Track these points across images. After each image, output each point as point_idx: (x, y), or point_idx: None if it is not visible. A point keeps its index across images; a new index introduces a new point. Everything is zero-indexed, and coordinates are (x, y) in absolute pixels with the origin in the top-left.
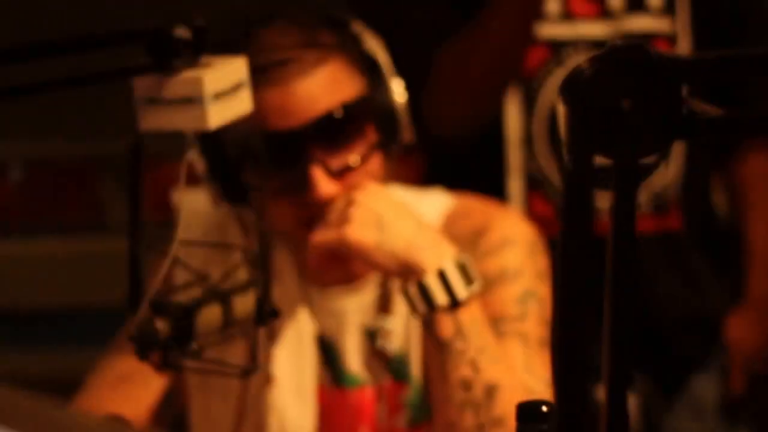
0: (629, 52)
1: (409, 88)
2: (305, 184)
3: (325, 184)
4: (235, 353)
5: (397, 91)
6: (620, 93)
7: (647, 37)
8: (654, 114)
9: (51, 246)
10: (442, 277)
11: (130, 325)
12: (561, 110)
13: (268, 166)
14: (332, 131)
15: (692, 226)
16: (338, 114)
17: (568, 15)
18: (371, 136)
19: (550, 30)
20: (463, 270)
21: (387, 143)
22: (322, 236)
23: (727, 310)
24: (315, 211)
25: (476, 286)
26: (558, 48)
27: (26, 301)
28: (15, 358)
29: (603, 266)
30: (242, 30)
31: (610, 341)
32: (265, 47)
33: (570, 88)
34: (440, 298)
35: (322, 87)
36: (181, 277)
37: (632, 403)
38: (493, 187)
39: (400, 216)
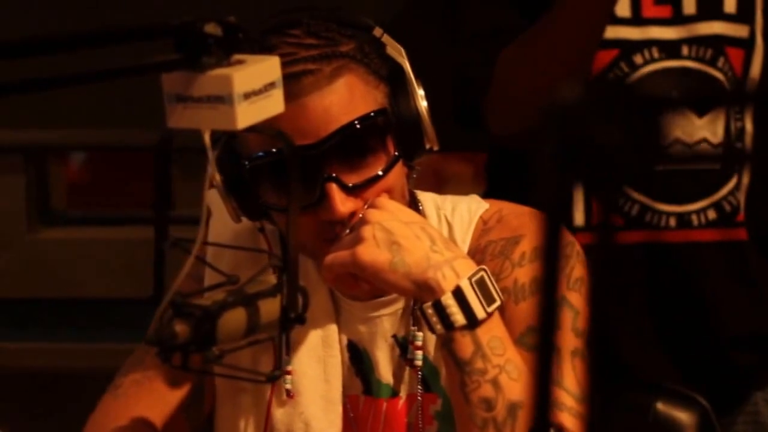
0: (611, 87)
1: (471, 91)
2: (322, 201)
3: (341, 202)
4: (266, 360)
5: (420, 98)
6: (603, 126)
7: (720, 41)
8: (635, 148)
9: (109, 234)
10: (459, 296)
11: (151, 327)
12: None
13: (284, 184)
14: (349, 147)
15: (758, 238)
16: (355, 129)
17: (638, 18)
18: (391, 148)
19: (620, 32)
20: (482, 287)
21: (408, 154)
22: (335, 257)
23: None
24: (335, 227)
25: (496, 303)
26: (627, 50)
27: (79, 290)
28: (76, 347)
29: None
30: (255, 37)
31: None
32: (279, 57)
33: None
34: (457, 318)
35: (338, 101)
36: (211, 279)
37: (690, 420)
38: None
39: (414, 234)
